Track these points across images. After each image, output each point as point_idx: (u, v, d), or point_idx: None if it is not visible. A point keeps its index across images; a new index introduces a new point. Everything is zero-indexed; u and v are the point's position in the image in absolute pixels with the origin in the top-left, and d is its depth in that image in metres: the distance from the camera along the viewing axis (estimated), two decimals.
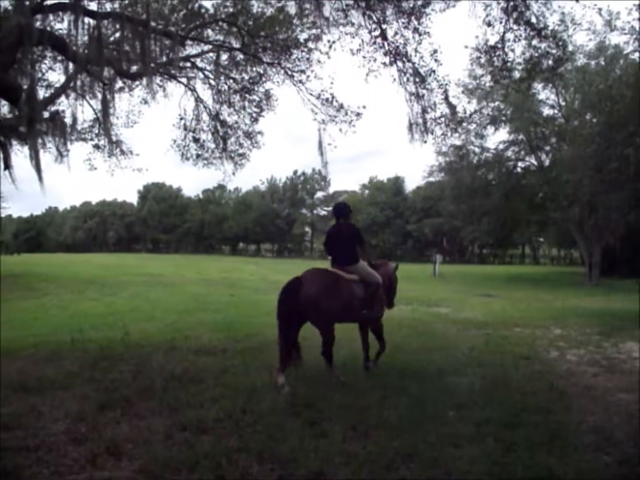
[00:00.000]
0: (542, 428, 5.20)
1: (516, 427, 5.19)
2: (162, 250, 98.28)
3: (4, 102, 11.20)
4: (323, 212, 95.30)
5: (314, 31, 11.69)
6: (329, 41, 11.07)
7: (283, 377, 6.59)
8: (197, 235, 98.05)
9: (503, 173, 36.89)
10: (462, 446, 4.76)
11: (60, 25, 11.15)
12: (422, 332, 11.14)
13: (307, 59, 12.27)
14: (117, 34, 10.83)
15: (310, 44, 12.03)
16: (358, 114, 12.69)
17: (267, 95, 13.49)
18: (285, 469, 4.27)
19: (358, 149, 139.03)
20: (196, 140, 14.10)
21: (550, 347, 9.89)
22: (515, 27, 9.43)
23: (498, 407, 5.82)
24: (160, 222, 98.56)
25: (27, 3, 8.80)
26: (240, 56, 12.67)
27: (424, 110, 10.99)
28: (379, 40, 10.33)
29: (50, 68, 13.32)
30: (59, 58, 11.84)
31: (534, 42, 9.73)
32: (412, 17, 9.97)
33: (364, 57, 10.67)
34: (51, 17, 10.76)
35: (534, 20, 9.33)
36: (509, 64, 10.23)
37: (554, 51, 10.00)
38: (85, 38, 8.76)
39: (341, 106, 12.54)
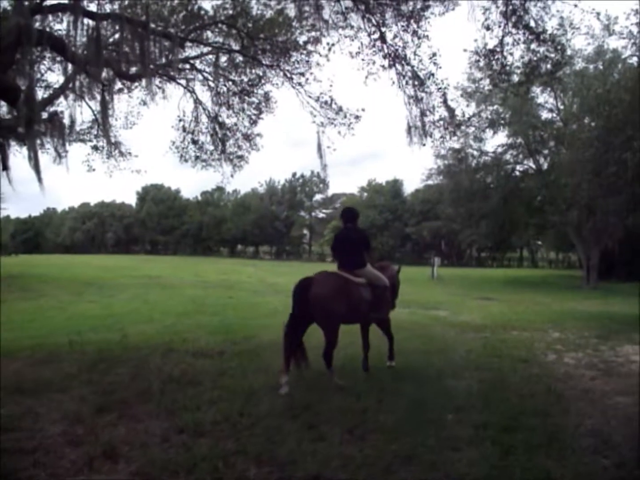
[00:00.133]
0: (540, 431, 5.20)
1: (514, 430, 5.19)
2: (160, 252, 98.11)
3: (2, 102, 11.20)
4: (322, 215, 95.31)
5: (313, 34, 11.71)
6: (328, 44, 11.11)
7: (286, 377, 6.62)
8: (196, 237, 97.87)
9: (501, 176, 36.92)
10: (460, 449, 4.75)
11: (60, 26, 11.18)
12: (420, 335, 11.13)
13: (307, 61, 12.29)
14: (117, 35, 10.83)
15: (310, 47, 12.06)
16: (357, 117, 12.73)
17: (266, 97, 13.51)
18: (283, 472, 4.26)
19: (357, 152, 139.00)
20: (195, 142, 14.11)
21: (548, 350, 9.89)
22: (514, 31, 9.45)
23: (496, 410, 5.82)
24: (158, 224, 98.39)
25: (27, 3, 8.80)
26: (239, 58, 12.68)
27: (423, 113, 11.01)
28: (378, 43, 10.36)
29: (49, 69, 13.35)
30: (58, 59, 11.84)
31: (533, 46, 9.75)
32: (412, 20, 9.99)
33: (363, 60, 10.71)
34: (50, 17, 10.78)
35: (532, 24, 9.35)
36: (507, 68, 10.25)
37: (552, 55, 10.01)
38: (85, 39, 8.74)
39: (340, 109, 12.57)
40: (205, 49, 12.58)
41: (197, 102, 13.68)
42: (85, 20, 8.78)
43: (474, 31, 9.82)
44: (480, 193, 36.06)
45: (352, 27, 10.32)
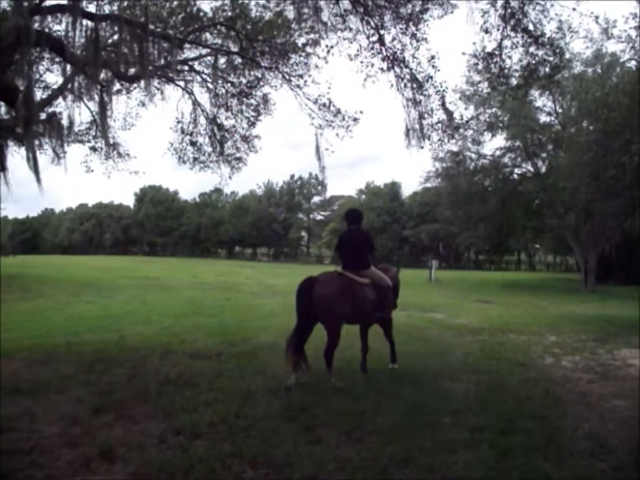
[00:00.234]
0: (537, 434, 5.19)
1: (511, 433, 5.19)
2: (158, 253, 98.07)
3: (1, 103, 11.18)
4: (320, 217, 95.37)
5: (312, 36, 11.70)
6: (327, 46, 11.11)
7: (293, 377, 6.73)
8: (194, 238, 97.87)
9: (499, 179, 36.96)
10: (457, 452, 4.75)
11: (59, 26, 11.16)
12: (418, 337, 11.13)
13: (305, 63, 12.30)
14: (116, 37, 10.83)
15: (308, 49, 12.07)
16: (355, 119, 12.73)
17: (265, 99, 13.53)
18: (279, 474, 4.26)
19: (355, 154, 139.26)
20: (193, 143, 14.11)
21: (546, 353, 9.89)
22: (512, 34, 9.46)
23: (493, 413, 5.82)
24: (156, 225, 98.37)
25: (26, 4, 8.80)
26: (238, 60, 12.69)
27: (421, 116, 11.02)
28: (376, 45, 10.37)
29: (48, 69, 13.34)
30: (57, 60, 11.83)
31: (531, 49, 9.76)
32: (410, 23, 10.01)
33: (361, 62, 10.72)
34: (49, 18, 10.78)
35: (531, 27, 9.36)
36: (506, 71, 10.26)
37: (551, 58, 10.03)
38: (83, 40, 8.74)
39: (338, 111, 12.57)
40: (204, 51, 12.59)
41: (196, 103, 13.69)
42: (84, 21, 8.78)
43: (472, 34, 9.83)
44: (478, 196, 36.09)
45: (350, 29, 10.34)
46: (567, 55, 16.48)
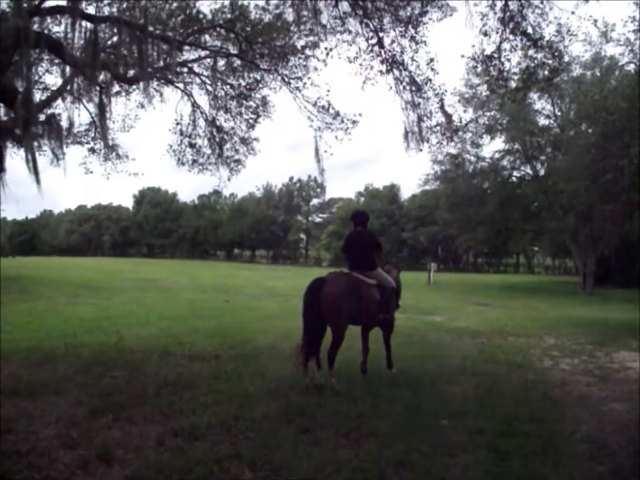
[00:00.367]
0: (535, 437, 5.19)
1: (510, 436, 5.18)
2: (157, 255, 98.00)
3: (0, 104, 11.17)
4: (318, 219, 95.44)
5: (311, 38, 11.71)
6: (326, 48, 11.11)
7: (318, 372, 6.91)
8: (192, 240, 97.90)
9: (498, 182, 37.02)
10: (455, 455, 4.74)
11: (58, 28, 11.18)
12: (417, 340, 11.13)
13: (304, 66, 12.30)
14: (115, 38, 10.84)
15: (308, 51, 12.07)
16: (354, 122, 12.75)
17: (264, 101, 13.52)
18: (277, 476, 4.25)
19: (354, 157, 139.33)
20: (192, 145, 14.11)
21: (544, 356, 9.90)
22: (511, 37, 9.46)
23: (492, 415, 5.81)
24: (155, 227, 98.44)
25: (25, 5, 8.80)
26: (237, 62, 12.69)
27: (420, 119, 11.02)
28: (375, 48, 10.37)
29: (47, 71, 13.37)
30: (56, 61, 11.83)
31: (530, 52, 9.76)
32: (409, 26, 10.01)
33: (360, 65, 10.72)
34: (49, 20, 10.79)
35: (530, 30, 9.36)
36: (505, 74, 10.25)
37: (550, 61, 10.03)
38: (83, 41, 8.74)
39: (337, 113, 12.58)
40: (203, 53, 12.59)
41: (195, 105, 13.69)
42: (84, 23, 8.78)
43: (471, 37, 9.86)
44: (477, 199, 36.13)
45: (350, 32, 10.33)
46: (566, 59, 16.47)
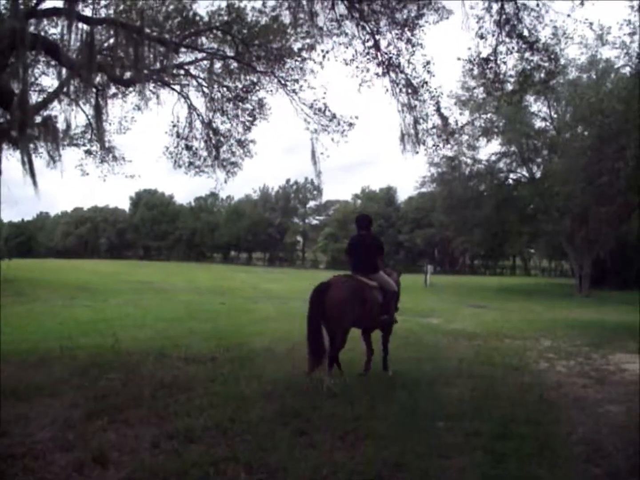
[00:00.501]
0: (531, 439, 5.19)
1: (506, 438, 5.18)
2: (153, 258, 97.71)
3: None
4: (315, 222, 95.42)
5: (307, 41, 11.73)
6: (322, 51, 11.13)
7: (329, 377, 6.87)
8: (189, 242, 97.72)
9: (495, 184, 37.09)
10: (451, 457, 4.74)
11: (54, 30, 11.16)
12: (413, 342, 11.15)
13: (301, 68, 12.32)
14: (111, 40, 10.83)
15: (304, 54, 12.09)
16: (350, 124, 12.76)
17: (260, 104, 13.52)
18: (273, 479, 4.24)
19: (351, 159, 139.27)
20: (189, 147, 14.09)
21: (540, 358, 9.90)
22: (507, 40, 9.48)
23: (488, 418, 5.81)
24: (151, 229, 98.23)
25: (21, 7, 8.79)
26: (233, 64, 12.70)
27: (416, 121, 11.03)
28: (372, 50, 10.39)
29: (43, 73, 13.35)
30: (52, 63, 11.83)
31: (526, 55, 9.78)
32: (406, 29, 10.03)
33: (357, 67, 10.74)
34: (45, 21, 10.78)
35: (526, 33, 9.38)
36: (501, 76, 10.27)
37: (546, 64, 10.06)
38: (79, 43, 8.73)
39: (334, 116, 12.59)
40: (200, 55, 12.59)
41: (191, 108, 13.68)
42: (80, 25, 8.77)
43: (468, 40, 9.87)
44: (474, 201, 36.19)
45: (346, 34, 10.35)
46: (562, 61, 16.53)
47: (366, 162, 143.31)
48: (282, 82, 12.49)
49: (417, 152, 11.28)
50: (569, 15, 9.40)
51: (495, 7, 9.09)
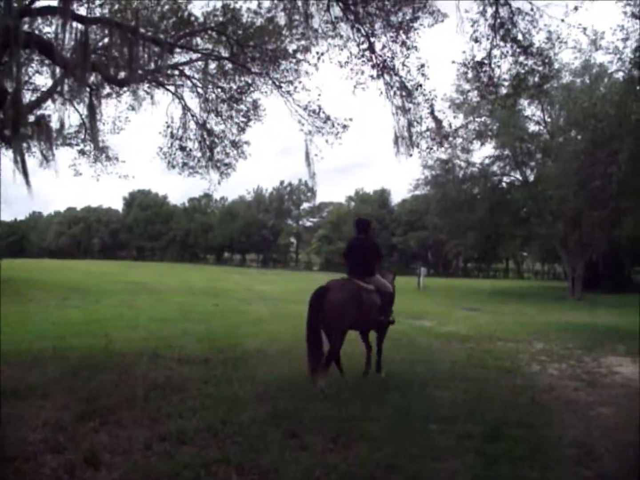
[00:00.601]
0: (523, 442, 5.20)
1: (498, 440, 5.19)
2: (146, 258, 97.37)
3: None
4: (309, 224, 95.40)
5: (302, 42, 11.73)
6: (317, 53, 11.13)
7: (324, 381, 6.83)
8: (182, 243, 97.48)
9: (488, 188, 37.18)
10: (444, 459, 4.75)
11: (48, 28, 11.15)
12: (406, 345, 11.16)
13: (296, 70, 12.32)
14: (106, 40, 10.81)
15: (299, 55, 12.09)
16: (345, 126, 12.75)
17: (255, 105, 13.52)
18: None
19: (345, 161, 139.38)
20: (183, 148, 14.07)
21: (533, 361, 9.93)
22: (502, 44, 9.53)
23: (480, 420, 5.81)
24: (145, 230, 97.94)
25: (15, 5, 8.76)
26: (228, 65, 12.70)
27: (410, 124, 11.05)
28: (366, 53, 10.40)
29: (37, 72, 13.29)
30: (46, 62, 11.78)
31: (521, 59, 9.83)
32: (401, 31, 10.06)
33: (351, 69, 10.75)
34: (39, 20, 10.74)
35: (520, 37, 9.43)
36: (495, 80, 10.31)
37: (540, 68, 10.10)
38: (73, 43, 8.70)
39: (328, 118, 12.59)
40: (195, 56, 12.57)
41: (186, 108, 13.66)
42: (74, 24, 8.74)
43: (462, 43, 9.93)
44: (467, 204, 36.27)
45: (341, 36, 10.37)
46: (556, 66, 16.59)
47: (360, 164, 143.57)
48: (277, 83, 12.49)
49: (411, 155, 11.32)
50: (563, 20, 9.47)
51: (490, 11, 9.14)
